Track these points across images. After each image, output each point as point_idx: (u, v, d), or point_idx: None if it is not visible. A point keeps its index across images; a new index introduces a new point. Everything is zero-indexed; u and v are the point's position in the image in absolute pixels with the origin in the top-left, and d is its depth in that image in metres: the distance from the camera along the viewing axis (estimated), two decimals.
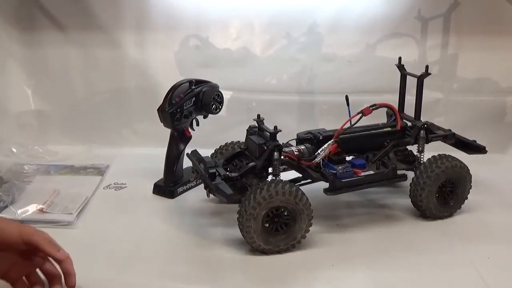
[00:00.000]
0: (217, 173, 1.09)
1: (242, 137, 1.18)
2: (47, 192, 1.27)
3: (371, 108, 1.13)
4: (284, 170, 1.13)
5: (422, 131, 1.20)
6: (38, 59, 1.57)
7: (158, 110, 1.22)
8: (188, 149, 1.24)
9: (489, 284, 0.96)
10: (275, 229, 1.04)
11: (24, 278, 0.89)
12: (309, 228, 1.05)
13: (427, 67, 1.20)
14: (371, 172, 1.13)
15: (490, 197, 1.28)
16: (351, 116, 1.13)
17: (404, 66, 1.28)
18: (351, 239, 1.11)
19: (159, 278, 0.97)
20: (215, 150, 1.26)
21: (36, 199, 1.23)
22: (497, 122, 1.58)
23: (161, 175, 1.30)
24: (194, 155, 1.17)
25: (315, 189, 1.11)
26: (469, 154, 1.27)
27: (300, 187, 1.05)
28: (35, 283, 0.90)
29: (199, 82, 1.26)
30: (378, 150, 1.18)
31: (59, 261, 0.88)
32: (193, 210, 1.23)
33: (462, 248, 1.08)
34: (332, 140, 1.13)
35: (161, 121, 1.24)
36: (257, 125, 1.14)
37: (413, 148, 1.25)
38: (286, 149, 1.12)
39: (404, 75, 1.28)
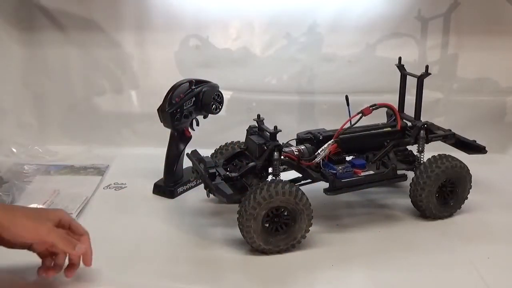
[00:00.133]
0: (217, 173, 1.09)
1: (242, 137, 1.18)
2: (47, 192, 1.27)
3: (371, 108, 1.13)
4: (284, 170, 1.13)
5: (422, 131, 1.20)
6: (38, 59, 1.57)
7: (158, 110, 1.22)
8: (188, 149, 1.24)
9: (489, 284, 0.96)
10: (275, 229, 1.04)
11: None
12: (309, 228, 1.05)
13: (427, 67, 1.20)
14: (371, 172, 1.13)
15: (490, 197, 1.28)
16: (351, 116, 1.13)
17: (404, 66, 1.28)
18: (351, 239, 1.11)
19: (159, 278, 0.97)
20: (215, 150, 1.26)
21: (36, 199, 1.23)
22: (497, 122, 1.58)
23: (161, 175, 1.30)
24: (194, 155, 1.17)
25: (315, 189, 1.11)
26: (469, 154, 1.27)
27: (300, 187, 1.05)
28: (56, 254, 0.94)
29: (199, 82, 1.26)
30: (378, 150, 1.18)
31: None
32: (193, 210, 1.23)
33: (462, 248, 1.08)
34: (332, 140, 1.13)
35: (161, 121, 1.24)
36: (257, 125, 1.14)
37: (413, 148, 1.25)
38: (286, 149, 1.12)
39: (404, 75, 1.28)
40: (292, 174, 1.15)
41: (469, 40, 1.54)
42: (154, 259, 1.03)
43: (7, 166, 1.41)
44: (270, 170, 1.11)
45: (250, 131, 1.15)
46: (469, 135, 1.29)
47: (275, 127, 1.09)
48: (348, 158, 1.16)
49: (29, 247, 0.92)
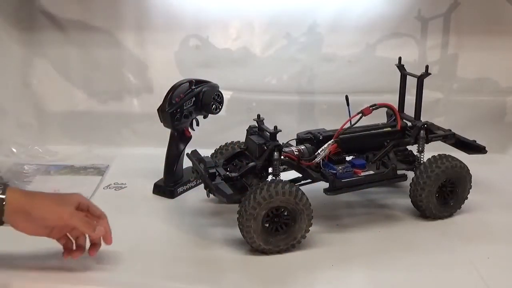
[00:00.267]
0: (217, 173, 1.09)
1: (242, 137, 1.18)
2: (47, 192, 1.27)
3: (371, 108, 1.13)
4: (284, 170, 1.13)
5: (422, 131, 1.20)
6: (38, 59, 1.57)
7: (158, 110, 1.22)
8: (188, 149, 1.24)
9: (489, 284, 0.96)
10: (275, 229, 1.04)
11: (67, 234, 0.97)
12: (309, 228, 1.05)
13: (427, 67, 1.20)
14: (371, 172, 1.13)
15: (490, 197, 1.28)
16: (351, 116, 1.13)
17: (404, 66, 1.28)
18: (351, 239, 1.11)
19: (159, 278, 0.97)
20: (215, 150, 1.26)
21: None
22: (497, 122, 1.58)
23: (161, 175, 1.30)
24: (194, 155, 1.17)
25: (315, 189, 1.11)
26: (469, 154, 1.27)
27: (300, 187, 1.05)
28: (78, 236, 0.98)
29: (199, 82, 1.26)
30: (378, 150, 1.18)
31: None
32: (193, 210, 1.23)
33: (462, 248, 1.08)
34: (332, 140, 1.13)
35: (161, 121, 1.24)
36: (257, 125, 1.14)
37: (413, 148, 1.25)
38: (286, 149, 1.12)
39: (404, 75, 1.28)
40: (292, 174, 1.15)
41: (469, 40, 1.54)
42: (154, 259, 1.03)
43: (7, 166, 1.41)
44: (270, 170, 1.11)
45: (250, 131, 1.15)
46: (469, 135, 1.29)
47: (275, 127, 1.09)
48: (348, 158, 1.16)
49: (49, 233, 0.95)
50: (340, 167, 1.10)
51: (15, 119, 1.58)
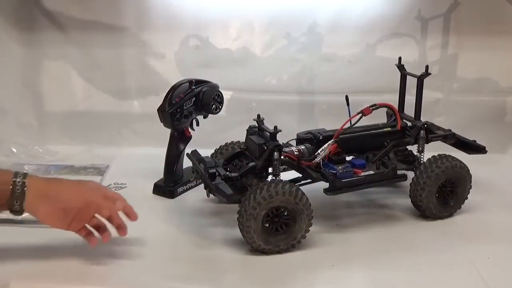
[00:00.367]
0: (217, 173, 1.09)
1: (242, 137, 1.18)
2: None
3: (371, 108, 1.13)
4: (284, 170, 1.13)
5: (422, 131, 1.20)
6: (38, 59, 1.57)
7: (158, 110, 1.22)
8: (188, 149, 1.24)
9: (489, 284, 0.96)
10: (275, 229, 1.04)
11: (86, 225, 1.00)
12: (309, 228, 1.05)
13: (427, 67, 1.20)
14: (371, 172, 1.13)
15: (490, 197, 1.28)
16: (351, 116, 1.13)
17: (404, 66, 1.28)
18: (351, 239, 1.11)
19: (159, 278, 0.97)
20: (215, 150, 1.26)
21: None
22: (497, 122, 1.58)
23: (161, 175, 1.30)
24: (194, 155, 1.17)
25: (315, 189, 1.11)
26: (469, 154, 1.27)
27: (300, 187, 1.05)
28: (97, 225, 1.01)
29: (199, 82, 1.26)
30: (378, 150, 1.18)
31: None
32: (193, 210, 1.23)
33: (462, 248, 1.08)
34: (332, 140, 1.13)
35: (161, 121, 1.24)
36: (257, 125, 1.14)
37: (413, 148, 1.25)
38: (286, 149, 1.12)
39: (404, 75, 1.28)
40: (292, 174, 1.15)
41: (469, 40, 1.54)
42: (154, 259, 1.03)
43: (7, 166, 1.41)
44: (270, 170, 1.11)
45: (250, 131, 1.15)
46: (469, 135, 1.29)
47: (275, 127, 1.09)
48: (348, 158, 1.16)
49: (69, 222, 0.95)
50: (340, 167, 1.10)
51: (15, 119, 1.58)
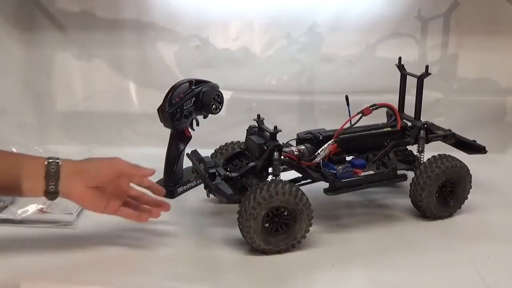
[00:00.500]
0: (217, 173, 1.09)
1: (242, 137, 1.18)
2: None
3: (371, 108, 1.13)
4: (284, 170, 1.13)
5: (422, 131, 1.20)
6: (38, 59, 1.57)
7: (158, 110, 1.22)
8: (188, 149, 1.24)
9: (489, 284, 0.96)
10: (275, 229, 1.04)
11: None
12: (309, 228, 1.05)
13: (427, 67, 1.20)
14: (371, 172, 1.13)
15: (490, 197, 1.28)
16: (351, 116, 1.13)
17: (404, 66, 1.28)
18: (351, 239, 1.11)
19: (159, 278, 0.97)
20: (215, 150, 1.26)
21: (36, 199, 1.22)
22: (497, 122, 1.58)
23: (161, 175, 1.30)
24: (194, 155, 1.17)
25: (315, 189, 1.11)
26: (469, 154, 1.27)
27: (300, 187, 1.05)
28: (129, 204, 1.05)
29: (199, 82, 1.26)
30: (378, 150, 1.18)
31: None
32: (193, 210, 1.23)
33: (462, 248, 1.08)
34: (332, 140, 1.13)
35: (161, 121, 1.24)
36: (257, 125, 1.14)
37: (413, 148, 1.25)
38: (286, 149, 1.12)
39: (404, 75, 1.28)
40: (292, 174, 1.15)
41: (469, 40, 1.54)
42: (154, 259, 1.03)
43: None
44: (270, 170, 1.11)
45: (250, 131, 1.15)
46: (469, 135, 1.29)
47: (275, 127, 1.09)
48: (348, 158, 1.16)
49: (106, 204, 0.99)
50: (340, 167, 1.10)
51: (15, 119, 1.58)
